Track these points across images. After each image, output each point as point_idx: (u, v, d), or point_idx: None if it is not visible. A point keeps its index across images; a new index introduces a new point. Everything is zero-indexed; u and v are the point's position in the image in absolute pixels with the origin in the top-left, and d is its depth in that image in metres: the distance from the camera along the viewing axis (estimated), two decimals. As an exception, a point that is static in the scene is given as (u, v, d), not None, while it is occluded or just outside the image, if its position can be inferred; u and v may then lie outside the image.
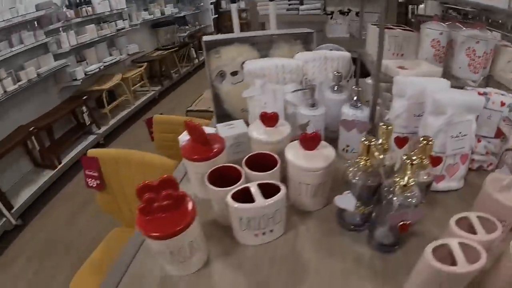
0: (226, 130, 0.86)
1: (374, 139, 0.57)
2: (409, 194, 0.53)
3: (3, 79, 2.34)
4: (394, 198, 0.54)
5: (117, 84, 3.27)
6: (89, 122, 3.01)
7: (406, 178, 0.52)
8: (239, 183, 0.65)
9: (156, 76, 4.20)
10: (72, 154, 2.80)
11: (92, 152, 1.28)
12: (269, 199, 0.60)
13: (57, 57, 2.87)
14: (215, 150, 0.73)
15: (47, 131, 2.64)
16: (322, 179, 0.67)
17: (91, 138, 3.03)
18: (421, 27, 0.98)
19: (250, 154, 0.74)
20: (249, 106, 0.96)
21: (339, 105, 0.88)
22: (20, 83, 2.47)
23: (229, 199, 0.61)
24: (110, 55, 3.52)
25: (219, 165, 0.71)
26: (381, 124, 0.63)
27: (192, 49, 4.92)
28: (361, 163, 0.58)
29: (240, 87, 0.98)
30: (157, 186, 0.56)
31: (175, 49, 4.41)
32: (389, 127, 0.63)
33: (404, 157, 0.52)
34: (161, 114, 1.64)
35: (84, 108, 2.93)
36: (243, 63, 0.99)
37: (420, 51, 0.99)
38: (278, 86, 0.92)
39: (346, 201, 0.61)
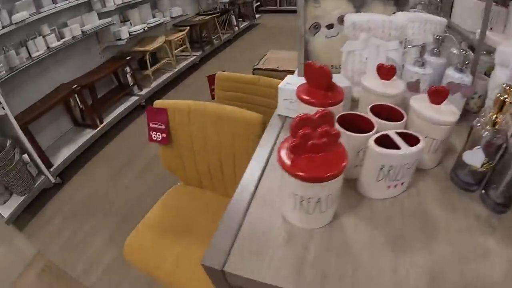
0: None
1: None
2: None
3: (46, 36, 2.28)
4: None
5: (160, 46, 3.17)
6: (132, 83, 2.93)
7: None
8: (373, 131, 0.59)
9: (197, 42, 4.08)
10: (114, 114, 2.76)
11: (160, 103, 1.19)
12: (414, 147, 0.56)
13: (100, 16, 2.78)
14: (341, 94, 0.67)
15: (90, 90, 2.58)
16: (447, 134, 0.65)
17: (133, 99, 2.97)
18: (509, 3, 0.98)
19: (373, 105, 0.67)
20: (347, 61, 0.92)
21: (437, 69, 0.85)
22: (64, 39, 2.40)
23: (372, 144, 0.55)
24: (153, 17, 3.41)
25: (346, 112, 0.64)
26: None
27: (232, 16, 4.75)
28: (492, 118, 0.55)
29: (334, 42, 0.97)
30: (316, 120, 0.46)
31: (217, 14, 4.26)
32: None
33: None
34: (224, 71, 1.53)
35: (127, 69, 2.86)
36: (339, 16, 0.95)
37: (508, 26, 0.99)
38: (382, 41, 0.88)
39: (474, 157, 0.58)
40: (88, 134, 2.50)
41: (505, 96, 0.52)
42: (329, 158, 0.47)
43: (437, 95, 0.65)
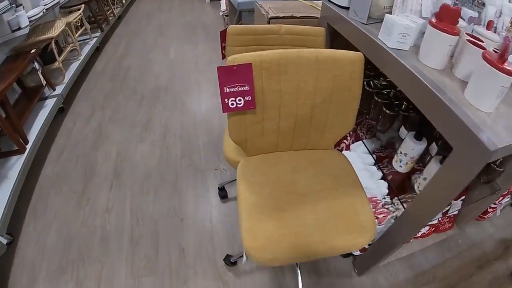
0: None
1: None
2: None
3: None
4: None
5: (61, 31, 2.48)
6: (44, 83, 2.24)
7: None
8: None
9: (94, 22, 3.37)
10: (36, 129, 2.08)
11: (238, 58, 1.01)
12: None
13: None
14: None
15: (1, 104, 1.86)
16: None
17: (50, 103, 2.31)
18: None
19: None
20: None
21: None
22: None
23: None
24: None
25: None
26: None
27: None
28: None
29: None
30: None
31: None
32: None
33: None
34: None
35: (36, 65, 2.16)
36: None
37: None
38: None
39: None
40: (15, 164, 1.84)
41: None
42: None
43: None
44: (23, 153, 1.89)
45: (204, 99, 2.64)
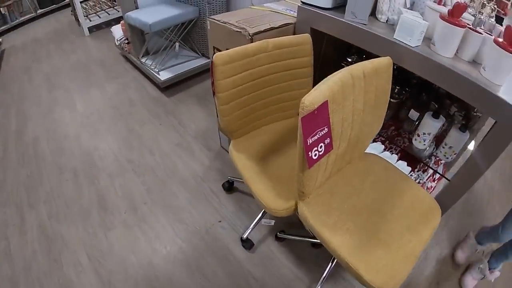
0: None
1: None
2: None
3: None
4: None
5: None
6: None
7: None
8: None
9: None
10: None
11: (315, 98, 0.91)
12: None
13: None
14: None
15: None
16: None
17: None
18: None
19: None
20: None
21: None
22: None
23: None
24: None
25: None
26: None
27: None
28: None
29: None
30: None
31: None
32: None
33: None
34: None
35: None
36: None
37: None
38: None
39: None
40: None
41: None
42: None
43: None
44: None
45: (153, 146, 2.28)
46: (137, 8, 2.95)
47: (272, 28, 1.56)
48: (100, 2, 4.73)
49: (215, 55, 1.22)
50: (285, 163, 1.42)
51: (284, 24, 1.61)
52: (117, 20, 4.42)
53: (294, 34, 1.65)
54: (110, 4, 4.64)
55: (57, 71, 3.44)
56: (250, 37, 1.49)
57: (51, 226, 1.84)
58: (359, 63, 1.10)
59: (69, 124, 2.61)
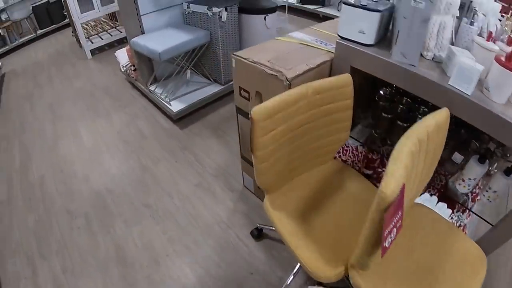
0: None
1: None
2: None
3: None
4: None
5: None
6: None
7: None
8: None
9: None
10: None
11: (395, 188, 0.80)
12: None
13: None
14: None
15: None
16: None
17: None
18: None
19: None
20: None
21: None
22: None
23: None
24: None
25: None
26: None
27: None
28: None
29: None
30: None
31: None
32: None
33: None
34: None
35: None
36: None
37: None
38: None
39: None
40: None
41: None
42: None
43: None
44: None
45: (170, 188, 2.14)
46: (143, 33, 2.83)
47: (310, 69, 1.43)
48: (101, 22, 4.61)
49: (253, 110, 1.10)
50: (328, 222, 1.31)
51: (322, 62, 1.48)
52: (120, 41, 4.30)
53: (330, 72, 1.53)
54: (112, 25, 4.51)
55: (60, 99, 3.30)
56: (288, 82, 1.36)
57: (66, 281, 1.69)
58: (422, 123, 0.99)
59: (76, 161, 2.47)
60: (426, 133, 0.97)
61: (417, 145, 0.93)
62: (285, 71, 1.39)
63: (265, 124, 1.13)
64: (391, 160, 0.85)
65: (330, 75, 1.55)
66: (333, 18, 4.64)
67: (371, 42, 1.32)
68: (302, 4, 5.17)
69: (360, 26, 1.31)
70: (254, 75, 1.52)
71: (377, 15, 1.25)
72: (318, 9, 5.04)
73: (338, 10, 4.88)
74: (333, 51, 1.50)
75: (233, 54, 1.58)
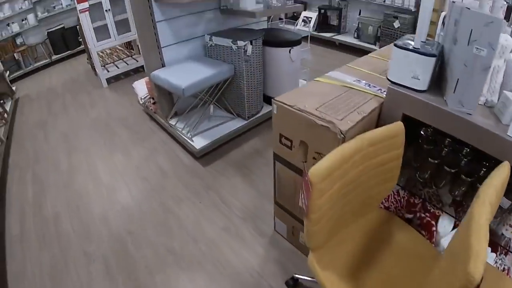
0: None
1: None
2: None
3: None
4: None
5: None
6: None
7: None
8: None
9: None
10: None
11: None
12: None
13: None
14: None
15: None
16: None
17: None
18: None
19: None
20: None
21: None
22: None
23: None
24: None
25: None
26: None
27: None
28: None
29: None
30: None
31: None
32: None
33: None
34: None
35: None
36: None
37: None
38: None
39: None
40: None
41: None
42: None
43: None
44: None
45: (196, 232, 2.02)
46: (163, 65, 2.79)
47: (363, 119, 1.36)
48: (117, 50, 4.62)
49: (311, 172, 1.01)
50: (379, 279, 1.21)
51: (372, 110, 1.41)
52: (135, 70, 4.28)
53: (378, 118, 1.46)
54: (127, 53, 4.51)
55: (75, 129, 3.22)
56: (343, 136, 1.28)
57: None
58: (491, 183, 0.92)
59: (93, 199, 2.36)
60: (495, 195, 0.90)
61: (490, 212, 0.85)
62: (337, 122, 1.31)
63: (323, 185, 1.04)
64: (474, 236, 0.77)
65: (378, 121, 1.48)
66: (350, 46, 4.75)
67: (424, 88, 1.25)
68: (318, 32, 5.22)
69: (414, 71, 1.24)
70: (300, 124, 1.43)
71: (432, 60, 1.20)
72: (334, 37, 5.08)
73: (355, 38, 4.91)
74: (379, 94, 1.44)
75: (275, 100, 1.50)
